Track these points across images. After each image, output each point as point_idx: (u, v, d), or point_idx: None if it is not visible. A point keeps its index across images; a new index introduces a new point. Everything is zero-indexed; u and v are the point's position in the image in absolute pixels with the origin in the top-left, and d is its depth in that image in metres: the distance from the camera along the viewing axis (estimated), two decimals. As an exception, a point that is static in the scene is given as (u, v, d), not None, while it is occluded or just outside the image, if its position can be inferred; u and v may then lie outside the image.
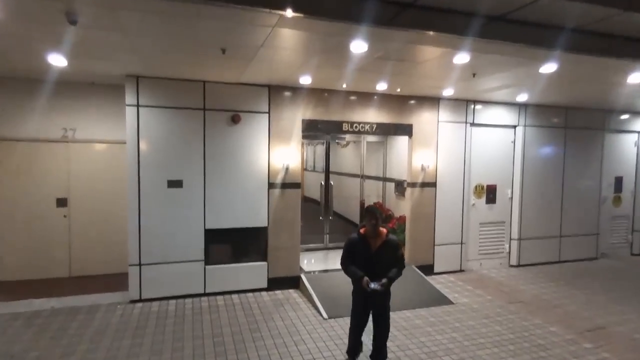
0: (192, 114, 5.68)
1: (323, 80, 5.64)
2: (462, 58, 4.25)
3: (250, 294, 6.01)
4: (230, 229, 5.96)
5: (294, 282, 6.25)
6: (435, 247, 7.11)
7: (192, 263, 5.80)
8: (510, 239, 7.74)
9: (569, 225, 8.11)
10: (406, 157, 7.39)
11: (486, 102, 7.28)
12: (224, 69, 5.08)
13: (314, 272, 6.50)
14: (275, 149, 6.08)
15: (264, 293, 6.07)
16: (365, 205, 8.31)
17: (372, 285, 3.61)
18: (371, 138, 8.36)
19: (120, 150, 5.96)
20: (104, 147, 6.38)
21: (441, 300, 5.89)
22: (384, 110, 6.66)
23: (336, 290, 5.77)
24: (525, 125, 7.59)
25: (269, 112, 6.03)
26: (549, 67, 4.56)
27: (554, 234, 8.02)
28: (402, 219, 7.31)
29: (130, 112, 5.42)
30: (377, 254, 3.71)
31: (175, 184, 5.64)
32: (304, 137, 6.35)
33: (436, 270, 7.13)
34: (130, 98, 5.41)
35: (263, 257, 6.19)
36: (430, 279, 6.63)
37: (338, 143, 8.91)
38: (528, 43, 3.77)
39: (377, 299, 3.80)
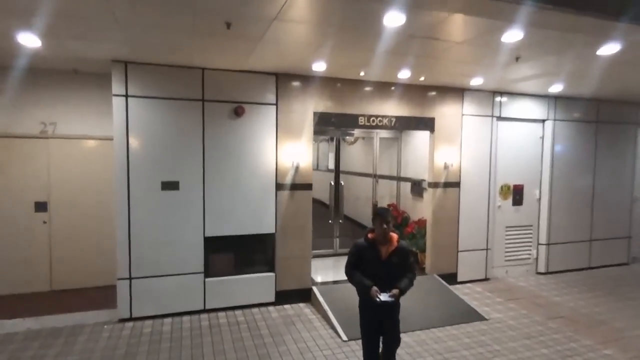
0: (190, 106, 4.96)
1: (339, 67, 4.94)
2: (513, 36, 3.56)
3: (256, 310, 5.31)
4: (233, 237, 5.25)
5: (304, 296, 5.56)
6: (459, 253, 6.44)
7: (190, 275, 5.09)
8: (538, 244, 7.09)
9: (600, 228, 7.47)
10: (424, 154, 6.73)
11: (514, 94, 6.61)
12: (226, 53, 4.37)
13: (326, 283, 5.82)
14: (284, 146, 5.38)
15: (271, 308, 5.37)
16: (379, 207, 7.64)
17: (382, 297, 3.15)
18: (384, 134, 7.67)
19: (109, 148, 5.23)
20: (89, 144, 5.64)
21: (472, 315, 5.23)
22: (404, 103, 5.97)
23: (353, 305, 5.03)
24: (555, 119, 6.93)
25: (276, 104, 5.32)
26: (610, 48, 3.88)
27: (584, 238, 7.37)
28: (421, 223, 6.63)
29: (118, 103, 4.69)
30: (388, 262, 3.26)
31: (170, 185, 4.92)
32: (315, 132, 5.65)
33: (460, 279, 6.46)
34: (117, 87, 4.68)
35: (270, 267, 5.49)
36: (455, 289, 5.96)
37: (345, 140, 8.20)
38: (597, 12, 3.10)
39: (386, 313, 3.35)
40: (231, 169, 5.17)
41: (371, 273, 3.26)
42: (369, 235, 3.34)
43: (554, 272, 7.11)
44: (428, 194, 6.56)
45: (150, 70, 4.78)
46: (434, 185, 6.23)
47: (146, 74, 4.77)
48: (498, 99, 6.53)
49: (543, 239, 7.04)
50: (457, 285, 6.35)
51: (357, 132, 7.62)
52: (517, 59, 4.34)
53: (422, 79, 5.53)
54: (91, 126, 5.57)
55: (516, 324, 5.02)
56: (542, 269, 7.07)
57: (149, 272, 4.90)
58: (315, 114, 5.50)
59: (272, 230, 5.41)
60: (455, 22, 3.38)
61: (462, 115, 6.32)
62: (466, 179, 6.40)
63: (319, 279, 5.95)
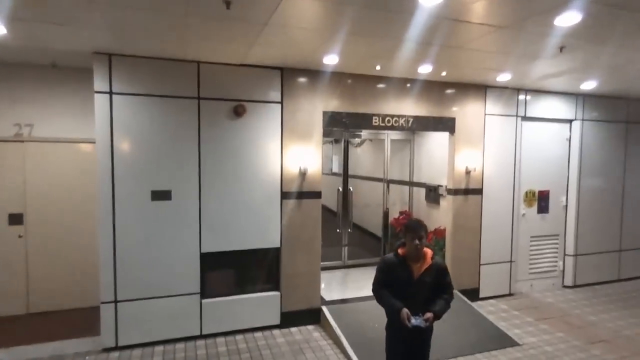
0: (183, 105, 4.36)
1: (354, 59, 4.35)
2: (569, 18, 2.98)
3: (259, 334, 4.71)
4: (233, 252, 4.66)
5: (313, 317, 4.96)
6: (481, 266, 5.86)
7: (185, 297, 4.48)
8: (565, 255, 6.51)
9: (629, 237, 6.91)
10: (439, 157, 6.18)
11: (539, 92, 6.05)
12: (225, 43, 3.78)
13: (336, 301, 5.22)
14: (290, 149, 4.78)
15: (276, 332, 4.77)
16: (390, 215, 7.07)
17: (415, 322, 2.80)
18: (396, 135, 7.09)
19: (92, 152, 4.62)
20: (71, 148, 5.02)
21: (503, 340, 4.64)
22: (422, 102, 5.39)
23: (368, 328, 4.51)
24: (583, 119, 6.36)
25: (281, 103, 4.73)
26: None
27: (613, 248, 6.81)
28: (439, 233, 6.05)
29: (101, 101, 4.09)
30: (421, 281, 2.92)
31: (161, 195, 4.32)
32: (324, 134, 5.06)
33: (482, 294, 5.88)
34: (100, 83, 4.08)
35: (275, 286, 4.89)
36: (479, 308, 5.38)
37: (351, 142, 7.58)
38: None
39: (417, 338, 3.00)
40: (231, 176, 4.57)
41: (401, 293, 2.92)
42: (400, 251, 2.99)
43: (582, 286, 6.54)
44: (446, 201, 5.98)
45: (138, 63, 4.18)
46: (454, 192, 5.65)
47: (133, 68, 4.17)
48: (522, 97, 5.96)
49: (570, 249, 6.46)
50: (480, 302, 5.77)
51: (365, 133, 7.04)
52: (561, 49, 3.76)
53: (443, 74, 4.94)
54: (73, 128, 4.95)
55: (554, 351, 4.43)
56: (569, 282, 6.50)
57: (137, 294, 4.29)
58: (325, 113, 4.91)
59: (277, 244, 4.81)
60: (507, 1, 2.80)
61: (485, 115, 5.74)
62: (489, 185, 5.82)
63: (327, 296, 5.35)
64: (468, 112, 5.63)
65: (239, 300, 4.71)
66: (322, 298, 5.18)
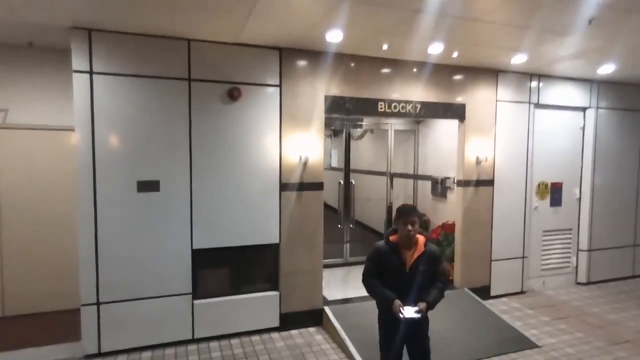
0: (172, 87, 3.97)
1: (359, 37, 3.98)
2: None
3: (256, 338, 4.33)
4: (227, 249, 4.27)
5: (315, 318, 4.59)
6: (492, 263, 5.52)
7: (175, 298, 4.10)
8: (578, 250, 6.18)
9: (644, 231, 6.60)
10: (446, 148, 5.86)
11: (553, 77, 5.70)
12: (217, 17, 3.39)
13: (339, 301, 4.85)
14: (289, 137, 4.40)
15: (275, 335, 4.40)
16: (393, 209, 6.70)
17: (407, 313, 2.70)
18: (399, 126, 6.73)
19: (72, 140, 4.22)
20: (48, 136, 4.61)
21: (520, 341, 4.29)
22: (431, 86, 5.02)
23: (375, 329, 4.10)
24: (597, 107, 6.03)
25: (280, 86, 4.35)
26: None
27: (628, 243, 6.49)
28: (448, 228, 5.70)
29: (80, 82, 3.68)
30: (414, 269, 2.82)
31: (148, 186, 3.93)
32: (325, 122, 4.68)
33: (493, 292, 5.54)
34: (79, 61, 3.67)
35: (273, 285, 4.52)
36: (491, 306, 5.03)
37: (351, 135, 7.18)
38: None
39: (412, 330, 2.86)
40: (225, 166, 4.18)
41: (393, 283, 2.82)
42: (391, 238, 2.87)
43: (596, 282, 6.22)
44: (454, 194, 5.64)
45: (122, 40, 3.78)
46: (464, 183, 5.29)
47: (116, 45, 3.77)
48: (535, 83, 5.61)
49: (584, 244, 6.14)
50: (491, 301, 5.43)
51: (367, 123, 6.69)
52: (590, 21, 3.40)
53: (455, 55, 4.58)
54: (51, 114, 4.54)
55: (576, 353, 4.09)
56: (582, 278, 6.17)
57: (121, 294, 3.90)
58: (326, 98, 4.53)
59: (276, 240, 4.43)
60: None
61: (496, 101, 5.39)
62: (500, 176, 5.47)
63: (330, 295, 4.99)
64: (479, 99, 5.27)
65: (234, 301, 4.32)
66: (324, 298, 4.81)
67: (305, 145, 4.44)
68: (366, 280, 2.92)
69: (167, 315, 4.07)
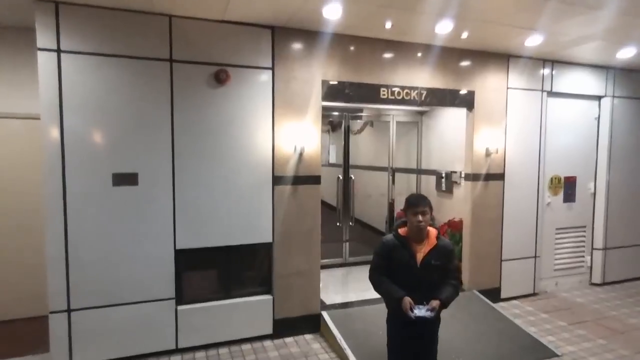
0: (152, 68, 3.55)
1: (360, 14, 3.58)
2: None
3: (247, 347, 3.94)
4: (215, 249, 3.87)
5: (312, 324, 4.20)
6: (503, 263, 5.13)
7: (156, 303, 3.69)
8: (593, 249, 5.81)
9: (661, 229, 6.23)
10: (451, 140, 5.50)
11: (567, 63, 5.32)
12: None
13: (337, 305, 4.46)
14: (283, 125, 4.00)
15: (268, 344, 4.00)
16: (395, 206, 6.32)
17: (418, 312, 2.48)
18: (402, 117, 6.33)
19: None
20: (12, 126, 4.19)
21: (537, 350, 3.91)
22: (438, 72, 4.63)
23: (377, 337, 3.73)
24: (613, 96, 5.64)
25: (272, 69, 3.94)
26: None
27: (644, 241, 6.12)
28: (454, 225, 5.31)
29: (46, 61, 3.27)
30: (425, 265, 2.60)
31: (125, 179, 3.51)
32: (323, 112, 4.29)
33: (504, 294, 5.16)
34: (44, 38, 3.25)
35: (266, 288, 4.12)
36: (502, 309, 4.66)
37: (350, 128, 6.73)
38: None
39: (423, 330, 2.67)
40: (211, 157, 3.77)
41: (403, 279, 2.59)
42: (400, 231, 2.68)
43: (611, 283, 5.85)
44: (461, 190, 5.26)
45: (94, 15, 3.36)
46: (474, 177, 4.90)
47: (88, 20, 3.35)
48: (548, 69, 5.22)
49: (599, 242, 5.76)
50: (502, 304, 5.05)
51: (367, 115, 6.29)
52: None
53: (464, 35, 4.18)
54: (15, 101, 4.11)
55: (601, 363, 3.72)
56: (597, 279, 5.79)
57: (95, 300, 3.49)
58: (324, 83, 4.13)
59: (269, 239, 4.03)
60: None
61: (507, 88, 5.00)
62: (511, 170, 5.09)
63: (328, 299, 4.60)
64: (489, 85, 4.88)
65: (223, 307, 3.92)
66: (321, 302, 4.42)
67: (301, 134, 4.04)
68: (373, 277, 2.71)
69: (148, 323, 3.66)
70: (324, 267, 5.83)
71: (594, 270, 5.81)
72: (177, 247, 3.71)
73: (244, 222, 3.91)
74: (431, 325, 2.68)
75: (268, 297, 4.08)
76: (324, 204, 7.37)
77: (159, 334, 3.70)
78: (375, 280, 2.70)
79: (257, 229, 3.98)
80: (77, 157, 3.36)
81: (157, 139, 3.59)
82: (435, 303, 2.50)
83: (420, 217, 2.54)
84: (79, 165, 3.37)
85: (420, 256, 2.59)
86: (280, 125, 3.98)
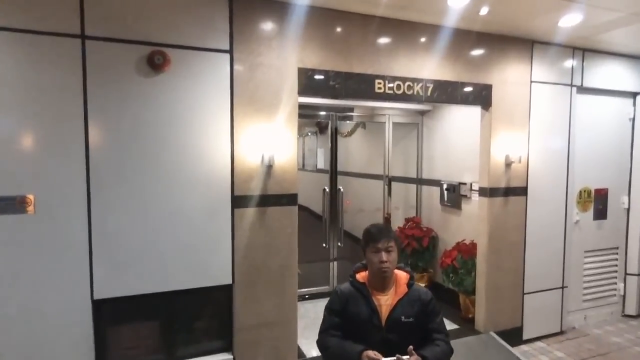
0: (55, 47, 2.51)
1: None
2: None
3: None
4: (152, 295, 2.83)
5: (287, 389, 3.19)
6: (525, 296, 4.18)
7: (66, 376, 2.65)
8: (626, 274, 4.89)
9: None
10: (461, 146, 4.61)
11: (600, 52, 4.40)
12: None
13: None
14: (246, 128, 2.99)
15: (226, 421, 2.98)
16: (392, 223, 5.35)
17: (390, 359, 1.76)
18: (399, 118, 5.36)
19: None
20: None
21: None
22: (448, 60, 3.66)
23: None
24: (651, 93, 4.75)
25: (231, 52, 2.93)
26: None
27: (683, 263, 5.22)
28: (466, 250, 4.34)
29: None
30: (392, 323, 1.94)
31: (9, 206, 2.46)
32: (301, 114, 3.30)
33: (526, 335, 4.21)
34: None
35: (225, 344, 3.10)
36: (527, 357, 3.71)
37: (338, 130, 5.67)
38: None
39: None
40: (144, 172, 2.74)
41: (364, 344, 1.90)
42: (358, 276, 2.09)
43: (647, 314, 4.94)
44: (472, 205, 4.33)
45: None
46: (491, 192, 3.94)
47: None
48: (578, 60, 4.29)
49: (633, 267, 4.84)
50: (525, 347, 4.11)
51: (358, 115, 5.32)
52: None
53: (483, 11, 3.21)
54: None
55: None
56: (631, 310, 4.88)
57: (-29, 379, 2.44)
58: (301, 72, 3.13)
59: (227, 280, 3.01)
60: None
61: (531, 82, 4.05)
62: (535, 182, 4.15)
63: (308, 348, 3.60)
64: (509, 78, 3.93)
65: (164, 373, 2.89)
66: (299, 352, 3.43)
67: (270, 140, 3.03)
68: (322, 341, 2.02)
69: (53, 403, 2.62)
70: (306, 298, 4.85)
71: (628, 299, 4.89)
72: (96, 297, 2.67)
73: (192, 258, 2.89)
74: None
75: (228, 356, 3.06)
76: (306, 209, 6.41)
77: (69, 419, 2.66)
78: (324, 345, 2.00)
79: (211, 268, 2.95)
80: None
81: (63, 148, 2.55)
82: (414, 359, 1.81)
83: (383, 256, 1.95)
84: (-57, 185, 2.32)
85: (385, 311, 1.98)
86: (241, 128, 2.97)
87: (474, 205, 4.34)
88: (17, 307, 2.50)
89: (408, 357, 1.75)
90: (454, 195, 4.79)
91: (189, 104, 2.81)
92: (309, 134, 7.52)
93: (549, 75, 4.13)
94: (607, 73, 4.48)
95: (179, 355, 2.98)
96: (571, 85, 4.27)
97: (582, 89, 4.37)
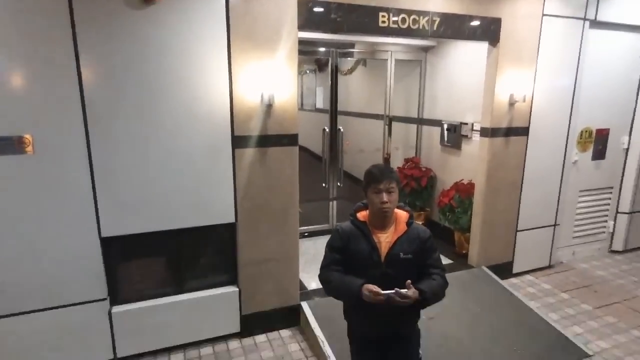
0: (37, -25, 2.33)
1: None
2: None
3: (207, 349, 3.16)
4: (158, 233, 2.92)
5: (289, 317, 3.42)
6: (518, 233, 4.33)
7: (82, 307, 2.81)
8: (617, 213, 5.03)
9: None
10: (464, 84, 4.50)
11: (618, -17, 4.13)
12: None
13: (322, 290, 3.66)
14: (244, 65, 2.88)
15: (234, 344, 3.23)
16: (392, 162, 5.37)
17: (389, 291, 1.80)
18: (401, 54, 5.16)
19: None
20: None
21: (562, 347, 3.20)
22: (455, -11, 3.44)
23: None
24: (667, 28, 4.54)
25: (225, -19, 2.73)
26: None
27: (673, 201, 5.35)
28: (464, 190, 4.41)
29: None
30: (392, 259, 1.97)
31: (6, 146, 2.44)
32: (302, 50, 3.15)
33: (516, 269, 4.43)
34: None
35: (230, 278, 3.26)
36: (515, 288, 3.95)
37: (338, 68, 5.48)
38: None
39: (398, 325, 2.06)
40: (143, 110, 2.69)
41: (364, 278, 1.93)
42: (359, 215, 2.07)
43: (633, 250, 5.16)
44: (472, 145, 4.33)
45: None
46: (492, 132, 3.92)
47: None
48: (594, -10, 4.04)
49: (625, 205, 4.97)
50: (514, 280, 4.35)
51: (359, 51, 5.11)
52: None
53: None
54: None
55: (642, 365, 3.04)
56: (618, 245, 5.09)
57: (-7, 310, 2.59)
58: (301, 4, 2.95)
59: (231, 219, 3.08)
60: None
61: (542, 15, 3.85)
62: (538, 123, 4.11)
63: (309, 281, 3.81)
64: (519, 11, 3.72)
65: (174, 304, 3.07)
66: (301, 286, 3.62)
67: (270, 78, 2.93)
68: (323, 276, 2.05)
69: (74, 331, 2.80)
70: (307, 234, 5.01)
71: (616, 236, 5.07)
72: (103, 235, 2.75)
73: (194, 198, 2.93)
74: (407, 320, 2.07)
75: (233, 288, 3.23)
76: (307, 150, 6.42)
77: (89, 344, 2.87)
78: (325, 279, 2.03)
79: (214, 207, 3.01)
80: None
81: (56, 86, 2.46)
82: (411, 292, 1.84)
83: (384, 197, 1.92)
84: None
85: (384, 247, 1.98)
86: (239, 66, 2.86)
87: (474, 146, 4.34)
88: (23, 247, 2.57)
89: (406, 290, 1.85)
90: (455, 136, 4.77)
91: (183, 38, 2.68)
92: (308, 71, 7.27)
93: (562, 8, 3.91)
94: (626, 5, 4.24)
95: (187, 288, 3.14)
96: (584, 19, 4.06)
97: (595, 23, 4.16)
